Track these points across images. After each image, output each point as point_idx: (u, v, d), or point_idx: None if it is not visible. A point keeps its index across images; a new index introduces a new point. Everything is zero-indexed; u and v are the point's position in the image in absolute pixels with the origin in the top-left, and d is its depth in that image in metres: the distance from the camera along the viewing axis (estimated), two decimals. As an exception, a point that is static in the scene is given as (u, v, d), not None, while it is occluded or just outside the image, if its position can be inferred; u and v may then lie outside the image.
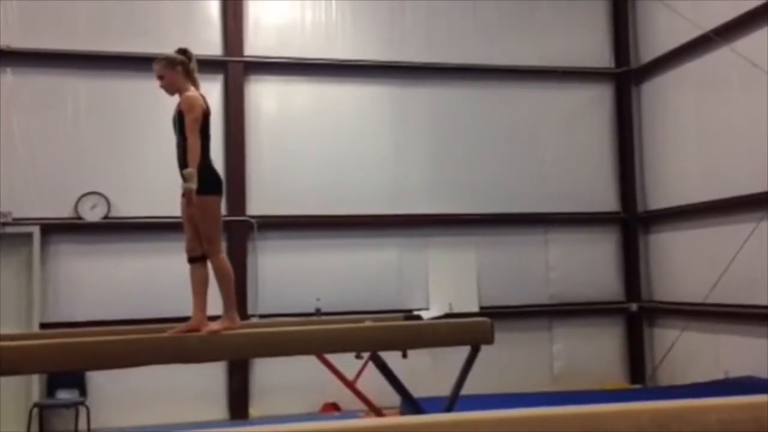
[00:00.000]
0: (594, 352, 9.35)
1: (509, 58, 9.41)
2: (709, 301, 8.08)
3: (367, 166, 8.99)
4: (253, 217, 8.51)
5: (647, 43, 9.54)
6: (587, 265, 9.47)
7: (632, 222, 9.61)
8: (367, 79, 9.10)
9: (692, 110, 8.71)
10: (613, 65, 9.81)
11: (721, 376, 7.82)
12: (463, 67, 9.27)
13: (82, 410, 7.72)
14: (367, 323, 5.00)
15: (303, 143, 8.86)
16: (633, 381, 9.35)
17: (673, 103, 9.06)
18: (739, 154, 7.88)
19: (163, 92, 4.46)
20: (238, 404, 8.29)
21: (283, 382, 8.25)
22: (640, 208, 9.63)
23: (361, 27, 9.12)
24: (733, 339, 7.89)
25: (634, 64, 9.71)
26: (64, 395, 7.76)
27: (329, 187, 8.80)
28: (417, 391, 5.23)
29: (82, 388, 7.81)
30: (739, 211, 7.80)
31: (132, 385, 7.69)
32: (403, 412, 6.23)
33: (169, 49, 4.52)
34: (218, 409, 8.28)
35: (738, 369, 7.64)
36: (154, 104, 8.36)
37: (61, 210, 8.04)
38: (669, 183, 9.17)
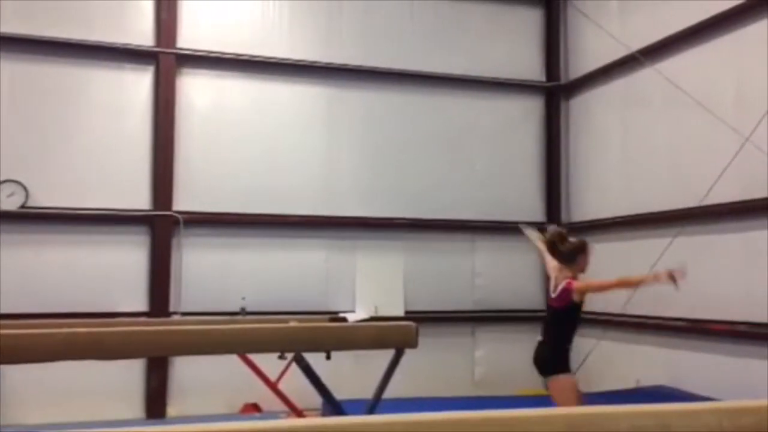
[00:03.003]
0: (515, 358, 9.50)
1: (444, 65, 9.51)
2: (626, 312, 8.36)
3: (299, 167, 8.95)
4: (179, 212, 8.35)
5: (577, 59, 9.81)
6: (512, 272, 9.66)
7: (556, 233, 9.84)
8: (302, 79, 9.05)
9: (617, 127, 9.00)
10: (544, 79, 10.05)
11: (633, 384, 8.10)
12: (398, 72, 9.32)
13: (-10, 406, 7.43)
14: (292, 324, 4.98)
15: (235, 140, 8.74)
16: (550, 388, 9.57)
17: (599, 119, 9.35)
18: (657, 172, 8.19)
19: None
20: (156, 403, 8.10)
21: (204, 381, 8.11)
22: (564, 220, 9.88)
23: (298, 26, 9.06)
24: (646, 349, 8.20)
25: (564, 79, 9.97)
26: (-30, 390, 7.44)
27: (259, 186, 8.71)
28: (339, 394, 5.23)
29: (-10, 383, 7.51)
30: (656, 226, 8.10)
31: (46, 380, 7.41)
32: (324, 414, 6.22)
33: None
34: (134, 407, 8.07)
35: (649, 378, 7.93)
36: (78, 92, 8.13)
37: (-24, 197, 7.70)
38: (592, 196, 9.45)
